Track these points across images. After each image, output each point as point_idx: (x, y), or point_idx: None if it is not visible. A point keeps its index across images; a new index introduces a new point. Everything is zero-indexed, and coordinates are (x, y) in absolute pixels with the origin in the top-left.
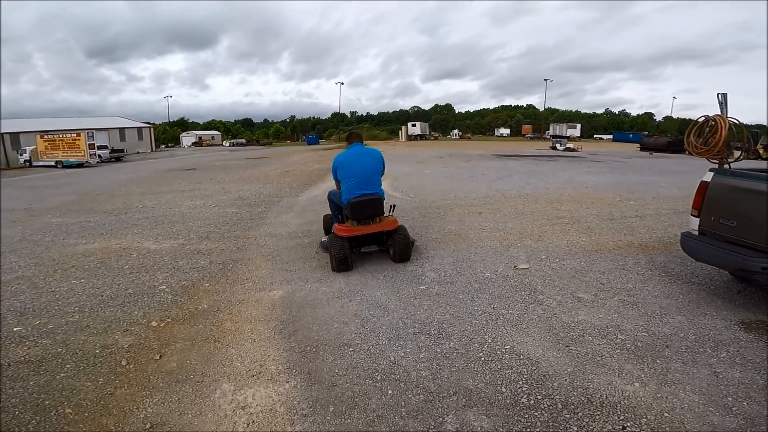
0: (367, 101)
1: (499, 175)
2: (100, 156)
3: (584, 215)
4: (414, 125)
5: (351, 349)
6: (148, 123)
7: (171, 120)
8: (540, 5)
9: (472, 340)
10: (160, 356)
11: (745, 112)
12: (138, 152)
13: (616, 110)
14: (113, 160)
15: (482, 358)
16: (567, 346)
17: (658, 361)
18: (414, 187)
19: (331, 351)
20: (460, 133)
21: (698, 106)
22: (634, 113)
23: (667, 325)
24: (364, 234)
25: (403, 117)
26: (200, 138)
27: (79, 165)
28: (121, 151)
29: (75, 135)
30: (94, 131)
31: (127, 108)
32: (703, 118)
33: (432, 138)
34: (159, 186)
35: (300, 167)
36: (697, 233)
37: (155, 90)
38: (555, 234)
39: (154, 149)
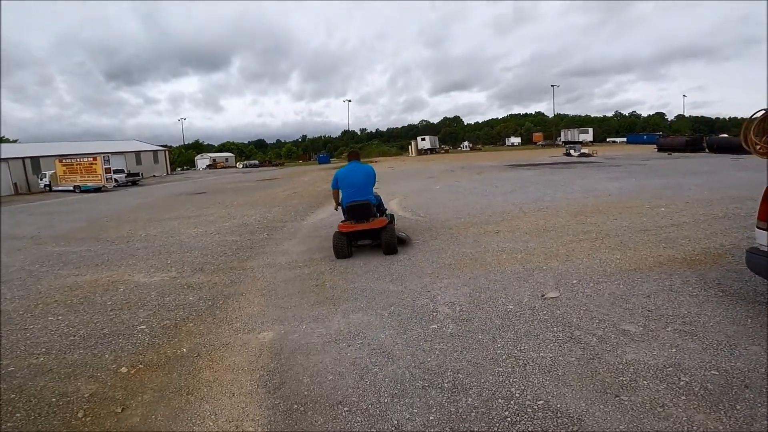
0: (376, 117)
1: (514, 187)
2: (116, 180)
3: (614, 228)
4: (423, 139)
5: (346, 408)
6: (164, 146)
7: (186, 143)
8: (540, 12)
9: (495, 394)
10: (123, 409)
11: (756, 106)
12: (154, 175)
13: (626, 112)
14: (129, 184)
15: (509, 419)
16: (617, 396)
17: (738, 407)
18: (424, 205)
19: (321, 411)
20: (471, 145)
21: (708, 104)
22: (644, 114)
23: (740, 358)
24: (359, 230)
25: (411, 132)
26: (214, 160)
27: (97, 189)
28: (137, 174)
29: (92, 159)
30: (110, 155)
31: (144, 131)
32: (762, 113)
33: (442, 151)
34: (167, 212)
35: (308, 188)
36: (766, 248)
37: (171, 112)
38: (584, 252)
39: (169, 172)
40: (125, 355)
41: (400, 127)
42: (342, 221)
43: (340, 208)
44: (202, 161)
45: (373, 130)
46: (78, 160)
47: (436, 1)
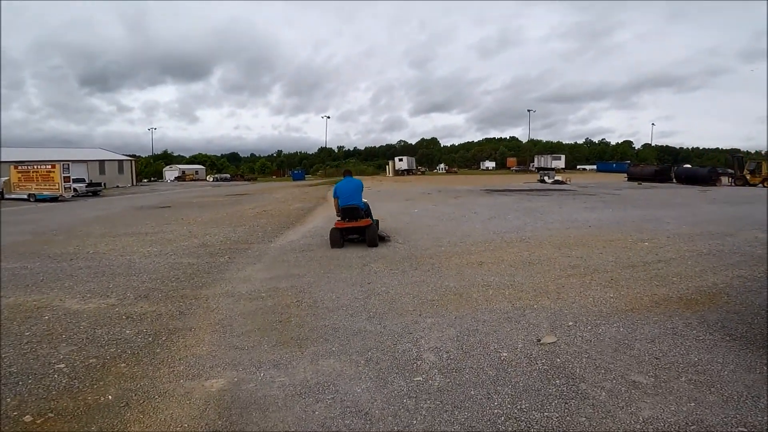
0: (355, 135)
1: (493, 214)
2: (75, 190)
3: (601, 263)
4: (401, 160)
5: None
6: (131, 156)
7: (155, 153)
8: (525, 36)
9: None
10: None
11: (718, 136)
12: (118, 186)
13: (596, 140)
14: (90, 194)
15: None
16: None
17: None
18: (403, 230)
19: None
20: (447, 168)
21: (675, 133)
22: (613, 142)
23: (766, 412)
24: (350, 227)
25: (390, 151)
26: (183, 172)
27: (53, 199)
28: (99, 185)
29: (50, 167)
30: (70, 163)
31: (114, 139)
32: None
33: (418, 173)
34: (124, 227)
35: (279, 206)
36: None
37: (144, 121)
38: (575, 289)
39: (134, 183)
40: (33, 400)
41: (378, 146)
42: (337, 220)
43: (337, 209)
44: (171, 173)
45: (351, 148)
46: (35, 167)
47: (426, 22)
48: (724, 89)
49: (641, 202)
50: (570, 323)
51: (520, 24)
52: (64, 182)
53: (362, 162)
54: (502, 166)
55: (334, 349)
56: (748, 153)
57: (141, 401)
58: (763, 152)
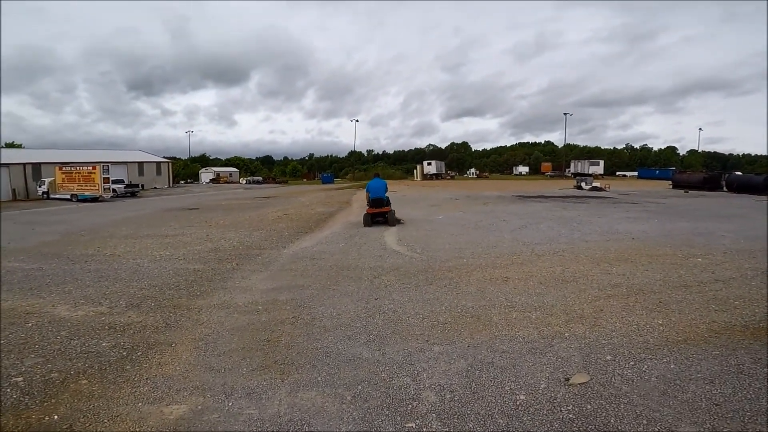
0: (385, 140)
1: (523, 223)
2: (114, 191)
3: (646, 281)
4: (429, 164)
5: None
6: (170, 158)
7: (192, 156)
8: (564, 40)
9: None
10: None
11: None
12: (155, 187)
13: (637, 145)
14: (128, 195)
15: None
16: None
17: None
18: (423, 239)
19: None
20: (478, 172)
21: (724, 139)
22: (656, 148)
23: None
24: (375, 212)
25: (419, 155)
26: (218, 175)
27: (94, 199)
28: (137, 186)
29: (91, 168)
30: (109, 165)
31: (156, 142)
32: None
33: (448, 177)
34: (148, 228)
35: (301, 210)
36: None
37: (186, 125)
38: (615, 314)
39: (171, 185)
40: None
41: (407, 150)
42: (368, 207)
43: (368, 200)
44: (206, 175)
45: (380, 152)
46: (77, 168)
47: (459, 27)
48: None
49: (690, 213)
50: (608, 357)
51: (558, 27)
52: (104, 183)
53: (390, 166)
54: (536, 171)
55: (319, 378)
56: None
57: (87, 424)
58: None
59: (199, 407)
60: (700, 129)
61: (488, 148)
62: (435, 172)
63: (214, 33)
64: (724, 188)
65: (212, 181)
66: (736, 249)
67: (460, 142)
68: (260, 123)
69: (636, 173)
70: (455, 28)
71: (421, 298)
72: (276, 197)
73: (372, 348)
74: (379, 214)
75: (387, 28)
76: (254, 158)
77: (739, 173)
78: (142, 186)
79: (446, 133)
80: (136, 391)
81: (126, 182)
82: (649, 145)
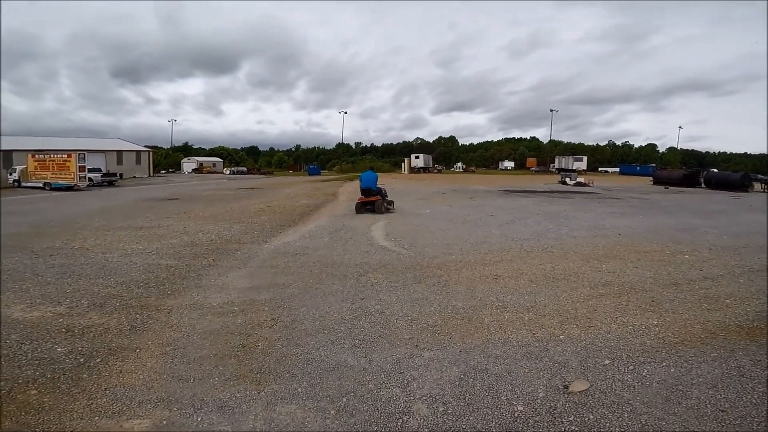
0: (374, 132)
1: (511, 217)
2: (90, 179)
3: (637, 279)
4: (417, 157)
5: None
6: (152, 147)
7: (175, 145)
8: (558, 38)
9: None
10: None
11: (748, 141)
12: (134, 177)
13: (619, 142)
14: (105, 184)
15: None
16: None
17: None
18: (410, 234)
19: None
20: (464, 166)
21: (704, 138)
22: (638, 145)
23: None
24: (365, 201)
25: (407, 149)
26: (201, 164)
27: (68, 188)
28: (114, 175)
29: (66, 156)
30: (85, 153)
31: (140, 131)
32: None
33: (435, 171)
34: (123, 219)
35: (285, 202)
36: None
37: (171, 114)
38: (609, 313)
39: (151, 174)
40: None
41: (396, 143)
42: (360, 197)
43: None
44: (189, 165)
45: (369, 145)
46: (51, 156)
47: (456, 23)
48: (760, 95)
49: (673, 209)
50: (606, 362)
51: (554, 26)
52: (80, 172)
53: (378, 159)
54: (521, 166)
55: (300, 390)
56: None
57: None
58: None
59: (164, 422)
60: (680, 127)
61: (475, 143)
62: (422, 165)
63: (208, 21)
64: (703, 185)
65: (195, 171)
66: (721, 245)
67: (448, 136)
68: (249, 113)
69: (617, 169)
70: (452, 24)
71: (409, 298)
72: (260, 188)
73: (358, 354)
74: (369, 203)
75: (387, 21)
76: (239, 148)
77: (716, 170)
78: (121, 175)
79: (436, 127)
80: (92, 404)
81: (103, 171)
82: (631, 142)
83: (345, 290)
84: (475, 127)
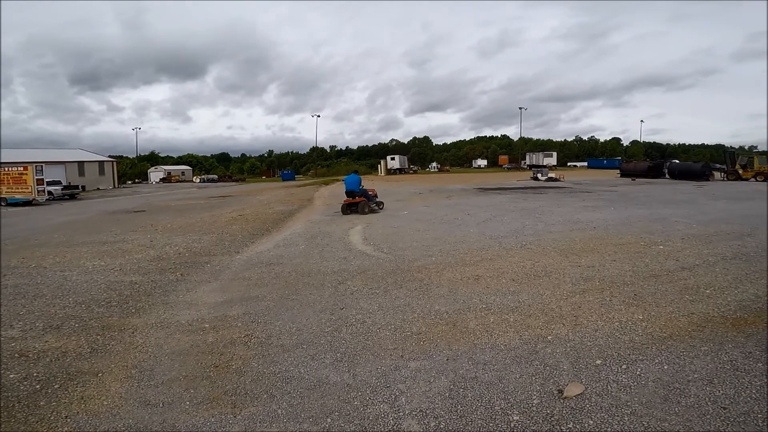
0: (350, 135)
1: (488, 215)
2: (50, 193)
3: (617, 273)
4: (393, 159)
5: None
6: (116, 157)
7: (141, 154)
8: (525, 37)
9: None
10: None
11: (705, 133)
12: (98, 188)
13: (585, 137)
14: (66, 197)
15: None
16: None
17: None
18: (389, 237)
19: None
20: (439, 166)
21: (664, 131)
22: (603, 139)
23: None
24: (350, 202)
25: (382, 151)
26: (169, 173)
27: (26, 203)
28: (76, 187)
29: (22, 169)
30: (43, 165)
31: (103, 140)
32: None
33: (411, 171)
34: (86, 234)
35: (259, 210)
36: None
37: (136, 121)
38: (594, 310)
39: (116, 185)
40: None
41: (371, 145)
42: (345, 198)
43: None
44: (156, 174)
45: (344, 148)
46: (6, 169)
47: (429, 23)
48: (714, 88)
49: (642, 200)
50: (598, 362)
51: (522, 26)
52: (38, 185)
53: (354, 161)
54: (494, 164)
55: (279, 411)
56: (741, 148)
57: None
58: (746, 148)
59: None
60: (642, 121)
61: (449, 143)
62: (399, 166)
63: (172, 25)
64: (667, 175)
65: (163, 180)
66: (692, 234)
67: (422, 136)
68: (218, 119)
69: (585, 163)
70: (425, 24)
71: (391, 304)
72: (232, 196)
73: (340, 369)
74: (353, 204)
75: (360, 22)
76: (210, 155)
77: (678, 161)
78: (83, 187)
79: (410, 127)
80: None
81: (64, 183)
82: (597, 137)
83: (323, 300)
84: (448, 126)
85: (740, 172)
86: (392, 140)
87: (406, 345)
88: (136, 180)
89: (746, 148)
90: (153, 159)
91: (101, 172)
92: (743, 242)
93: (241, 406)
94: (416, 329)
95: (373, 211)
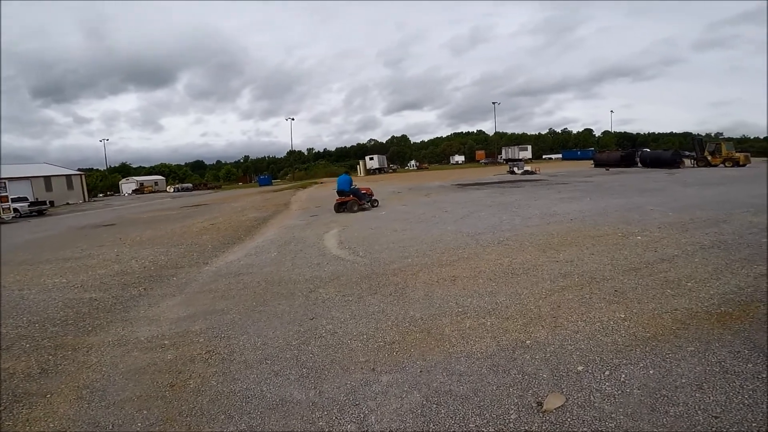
0: (328, 137)
1: (466, 212)
2: (16, 210)
3: (596, 267)
4: (372, 159)
5: None
6: (85, 170)
7: (111, 165)
8: (495, 33)
9: None
10: None
11: (672, 121)
12: (68, 203)
13: (559, 129)
14: (34, 214)
15: None
16: None
17: None
18: (366, 239)
19: None
20: (418, 164)
21: (633, 120)
22: (576, 131)
23: None
24: (341, 201)
25: (361, 151)
26: (142, 184)
27: None
28: (44, 203)
29: None
30: (6, 181)
31: (71, 153)
32: None
33: (390, 171)
34: (51, 251)
35: (232, 218)
36: None
37: (104, 132)
38: (574, 309)
39: (87, 199)
40: None
41: (349, 146)
42: (337, 198)
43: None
44: (128, 186)
45: (322, 150)
46: None
47: (402, 23)
48: (678, 78)
49: (617, 189)
50: (579, 368)
51: (492, 22)
52: (2, 202)
53: (333, 163)
54: (471, 159)
55: None
56: (708, 135)
57: None
58: (712, 135)
59: None
60: (612, 111)
61: (426, 140)
62: (378, 166)
63: (136, 33)
64: (639, 164)
65: (135, 191)
66: (668, 222)
67: (400, 135)
68: (191, 126)
69: (560, 155)
70: (398, 24)
71: (364, 312)
72: (206, 204)
73: (306, 386)
74: (344, 203)
75: (333, 24)
76: (184, 164)
77: (648, 150)
78: (52, 203)
79: (388, 127)
80: None
81: (31, 200)
82: (570, 129)
83: (293, 310)
84: (425, 124)
85: (709, 158)
86: (370, 140)
87: (378, 356)
88: (108, 192)
89: (712, 135)
90: (124, 170)
91: (69, 186)
92: (719, 229)
93: (196, 428)
94: (390, 338)
95: (363, 209)
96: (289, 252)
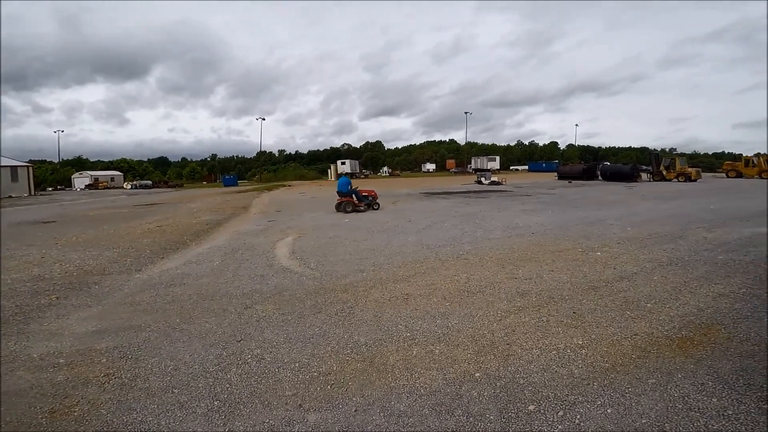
0: (301, 139)
1: (429, 222)
2: None
3: (555, 285)
4: (344, 163)
5: None
6: (36, 161)
7: (66, 158)
8: (477, 43)
9: None
10: None
11: (632, 136)
12: (10, 196)
13: (527, 142)
14: None
15: None
16: None
17: None
18: (322, 249)
19: None
20: (390, 170)
21: (596, 134)
22: (543, 143)
23: None
24: (342, 201)
25: (334, 155)
26: (96, 179)
27: None
28: None
29: None
30: None
31: (25, 143)
32: None
33: (362, 176)
34: None
35: (183, 220)
36: None
37: (64, 123)
38: (530, 335)
39: (33, 193)
40: None
41: (322, 149)
42: (337, 198)
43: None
44: (81, 180)
45: (294, 152)
46: None
47: (387, 28)
48: (640, 93)
49: (578, 202)
50: (530, 407)
51: (475, 32)
52: None
53: (304, 166)
54: (442, 168)
55: None
56: (663, 150)
57: None
58: (667, 150)
59: None
60: (577, 125)
61: (400, 147)
62: (349, 171)
63: (116, 24)
64: (599, 177)
65: (89, 186)
66: (627, 238)
67: (375, 141)
68: (159, 121)
69: (527, 167)
70: (384, 28)
71: (302, 335)
72: (162, 204)
73: (213, 422)
74: (342, 202)
75: (321, 26)
76: (146, 160)
77: (608, 163)
78: None
79: (364, 132)
80: None
81: None
82: (537, 141)
83: (220, 330)
84: (401, 131)
85: (664, 173)
86: (344, 144)
87: (309, 390)
88: (59, 187)
89: (667, 150)
90: (79, 164)
91: (14, 178)
92: (676, 245)
93: None
94: (326, 368)
95: (357, 210)
96: (233, 261)
